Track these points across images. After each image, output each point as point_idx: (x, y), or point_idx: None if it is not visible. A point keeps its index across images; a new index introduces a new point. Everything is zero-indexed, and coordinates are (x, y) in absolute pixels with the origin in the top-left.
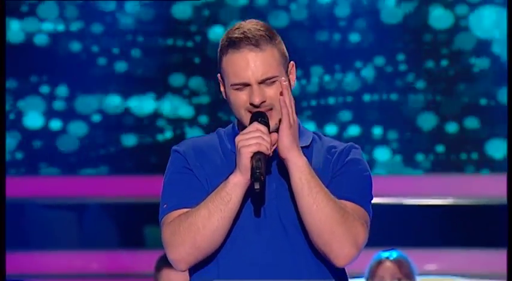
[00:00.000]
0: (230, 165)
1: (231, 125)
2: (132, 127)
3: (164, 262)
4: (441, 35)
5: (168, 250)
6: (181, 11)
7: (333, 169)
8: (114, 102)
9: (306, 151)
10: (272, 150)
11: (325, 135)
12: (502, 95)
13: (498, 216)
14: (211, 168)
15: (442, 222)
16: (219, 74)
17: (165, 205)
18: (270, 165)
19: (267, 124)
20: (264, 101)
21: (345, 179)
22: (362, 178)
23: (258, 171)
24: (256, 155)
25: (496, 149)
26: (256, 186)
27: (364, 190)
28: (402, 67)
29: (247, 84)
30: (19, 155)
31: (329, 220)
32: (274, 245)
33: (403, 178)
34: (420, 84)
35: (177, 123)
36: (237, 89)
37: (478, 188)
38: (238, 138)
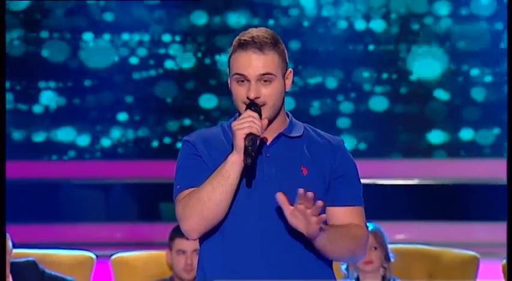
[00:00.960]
0: (231, 150)
1: (233, 118)
2: None
3: (176, 233)
4: None
5: (181, 223)
6: None
7: (331, 166)
8: None
9: (299, 140)
10: (268, 138)
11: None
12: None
13: (454, 194)
14: (216, 154)
15: (409, 199)
16: (228, 68)
17: (178, 186)
18: (270, 152)
19: (259, 112)
20: (258, 97)
21: (344, 183)
22: (357, 178)
23: (250, 148)
24: (249, 136)
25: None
26: (248, 160)
27: (359, 189)
28: None
29: (247, 79)
30: None
31: (346, 251)
32: (270, 214)
33: (377, 161)
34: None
35: None
36: (237, 81)
37: (439, 171)
38: (234, 123)
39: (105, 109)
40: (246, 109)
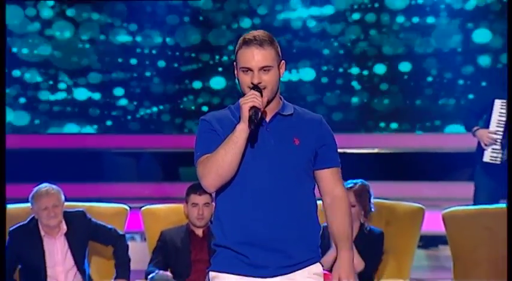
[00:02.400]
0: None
1: (237, 102)
2: None
3: (191, 190)
4: None
5: (201, 180)
6: None
7: (318, 137)
8: None
9: (291, 117)
10: (268, 116)
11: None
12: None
13: (405, 160)
14: (227, 128)
15: (371, 164)
16: (234, 62)
17: (198, 153)
18: (269, 127)
19: (260, 92)
20: (260, 83)
21: (327, 150)
22: (335, 145)
23: (253, 117)
24: (252, 108)
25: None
26: (252, 126)
27: (337, 153)
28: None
29: (251, 70)
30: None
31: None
32: (269, 175)
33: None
34: None
35: None
36: (243, 71)
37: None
38: (241, 99)
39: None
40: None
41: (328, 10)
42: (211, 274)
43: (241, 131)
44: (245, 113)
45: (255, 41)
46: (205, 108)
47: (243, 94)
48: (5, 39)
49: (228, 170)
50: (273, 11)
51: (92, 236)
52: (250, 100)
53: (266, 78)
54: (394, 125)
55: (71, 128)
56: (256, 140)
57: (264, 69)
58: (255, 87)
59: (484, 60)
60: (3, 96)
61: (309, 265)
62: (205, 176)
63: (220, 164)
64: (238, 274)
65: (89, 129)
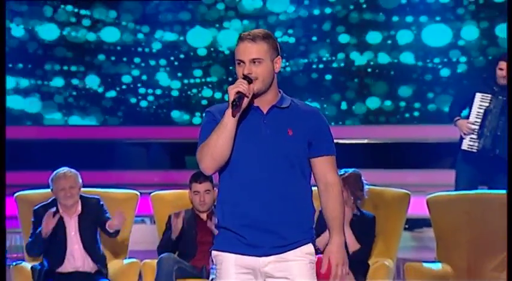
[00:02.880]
0: None
1: None
2: None
3: (193, 179)
4: None
5: (199, 164)
6: None
7: (312, 127)
8: None
9: (287, 110)
10: (265, 109)
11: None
12: None
13: (392, 150)
14: None
15: (362, 154)
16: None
17: (199, 141)
18: (266, 119)
19: (248, 81)
20: (250, 73)
21: (321, 139)
22: (330, 135)
23: (236, 100)
24: (237, 94)
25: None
26: (235, 109)
27: (332, 141)
28: None
29: (243, 62)
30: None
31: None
32: (262, 163)
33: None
34: None
35: None
36: (238, 64)
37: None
38: (229, 87)
39: None
40: None
41: None
42: (214, 253)
43: (228, 115)
44: (230, 97)
45: (248, 36)
46: (204, 102)
47: None
48: (4, 39)
49: (220, 152)
50: None
51: (100, 224)
52: (235, 86)
53: (256, 70)
54: (382, 118)
55: (91, 120)
56: (253, 131)
57: (255, 61)
58: (245, 77)
59: (467, 56)
60: (3, 95)
61: (301, 246)
62: (201, 160)
63: (213, 147)
64: (237, 253)
65: (108, 121)
